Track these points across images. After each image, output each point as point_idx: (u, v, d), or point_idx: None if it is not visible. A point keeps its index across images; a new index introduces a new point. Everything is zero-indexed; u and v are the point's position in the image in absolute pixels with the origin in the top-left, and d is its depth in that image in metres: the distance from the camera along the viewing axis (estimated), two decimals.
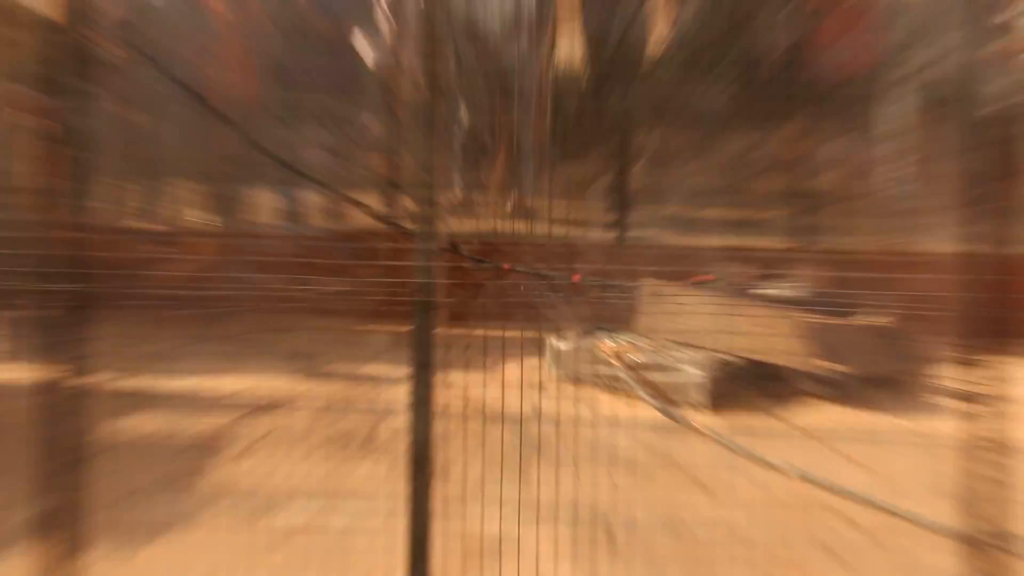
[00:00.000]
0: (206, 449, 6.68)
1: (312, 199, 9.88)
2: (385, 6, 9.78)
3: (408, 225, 7.65)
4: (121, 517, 5.42)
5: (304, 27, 9.89)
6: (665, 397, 7.53)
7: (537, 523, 5.53)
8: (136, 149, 8.75)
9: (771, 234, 9.69)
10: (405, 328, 4.02)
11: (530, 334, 8.03)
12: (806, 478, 6.35)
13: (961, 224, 7.59)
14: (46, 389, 3.99)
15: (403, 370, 4.07)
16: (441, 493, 4.25)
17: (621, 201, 9.86)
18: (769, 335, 7.52)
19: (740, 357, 7.49)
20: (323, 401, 7.10)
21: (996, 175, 3.94)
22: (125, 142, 8.96)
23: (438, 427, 4.15)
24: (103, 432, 6.07)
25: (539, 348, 8.06)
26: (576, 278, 7.34)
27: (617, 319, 8.29)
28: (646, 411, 7.33)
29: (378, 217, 9.20)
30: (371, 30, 10.12)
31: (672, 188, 9.91)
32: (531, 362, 7.76)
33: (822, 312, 7.89)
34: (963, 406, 3.97)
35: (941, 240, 9.32)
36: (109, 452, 5.84)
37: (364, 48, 10.13)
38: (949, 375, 5.46)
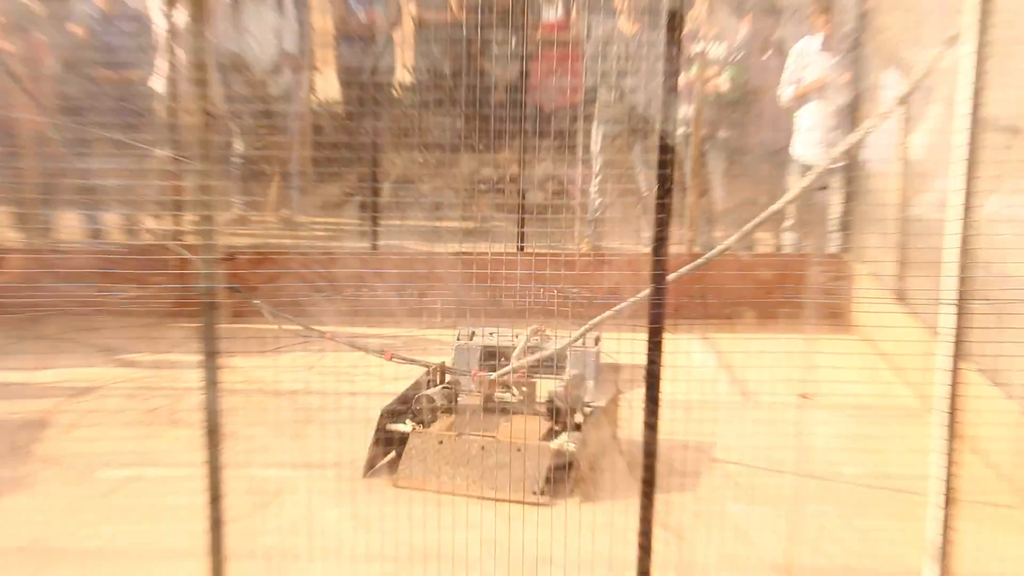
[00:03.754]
0: (39, 426, 7.14)
1: (111, 218, 10.18)
2: (166, 44, 9.94)
3: (191, 240, 8.21)
4: None
5: (91, 68, 9.98)
6: None
7: (309, 471, 6.33)
8: None
9: (496, 240, 9.42)
10: (195, 324, 4.22)
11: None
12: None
13: (646, 229, 8.50)
14: None
15: (195, 358, 4.25)
16: (231, 451, 4.44)
17: (373, 215, 10.16)
18: None
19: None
20: (133, 384, 7.46)
21: (671, 189, 4.17)
22: None
23: (226, 402, 4.33)
24: None
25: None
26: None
27: None
28: None
29: (163, 233, 9.57)
30: (153, 68, 10.37)
31: (415, 203, 10.33)
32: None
33: None
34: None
35: (629, 241, 10.19)
36: None
37: (149, 84, 10.42)
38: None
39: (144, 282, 8.23)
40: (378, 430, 6.61)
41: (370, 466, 6.60)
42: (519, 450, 6.30)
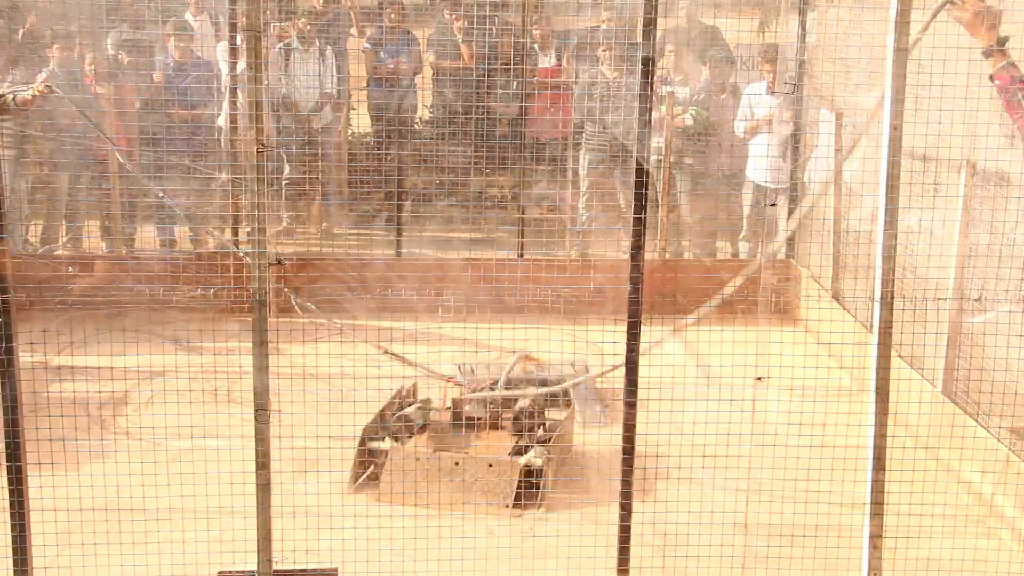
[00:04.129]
0: (118, 403, 7.19)
1: (181, 231, 10.13)
2: (228, 87, 9.80)
3: (246, 248, 8.18)
4: (66, 447, 5.67)
5: (167, 107, 9.83)
6: None
7: (342, 443, 6.31)
8: (56, 201, 9.01)
9: (499, 249, 9.94)
10: (248, 318, 4.31)
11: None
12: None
13: (625, 239, 8.49)
14: (3, 365, 4.36)
15: (248, 346, 4.35)
16: (277, 425, 4.59)
17: (397, 227, 9.99)
18: None
19: None
20: (196, 369, 7.32)
21: (645, 206, 4.34)
22: (49, 197, 9.22)
23: (273, 384, 4.43)
24: (44, 392, 6.90)
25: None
26: None
27: None
28: None
29: (224, 243, 9.45)
30: (218, 107, 10.32)
31: (432, 217, 10.25)
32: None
33: None
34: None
35: (611, 249, 10.17)
36: (52, 406, 6.42)
37: (214, 121, 10.35)
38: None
39: (208, 284, 8.24)
40: (361, 448, 6.31)
41: (355, 480, 6.31)
42: (491, 465, 6.06)
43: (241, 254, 7.94)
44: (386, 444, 6.24)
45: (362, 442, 6.29)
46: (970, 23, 4.54)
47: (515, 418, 6.44)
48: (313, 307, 7.42)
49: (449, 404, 6.70)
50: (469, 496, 5.98)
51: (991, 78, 4.50)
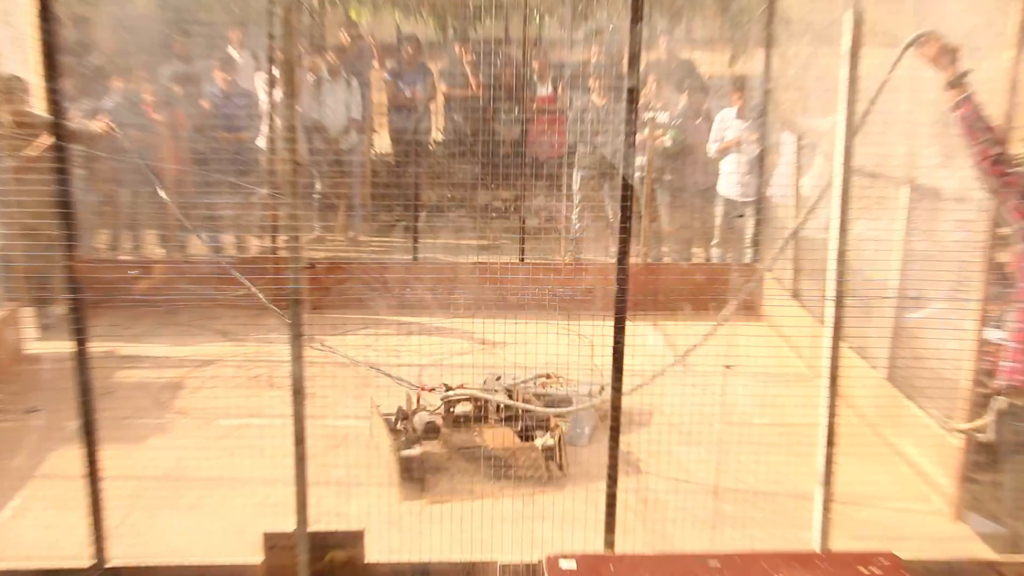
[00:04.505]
0: (175, 387, 7.11)
1: (227, 238, 10.12)
2: (267, 113, 9.80)
3: (283, 253, 8.22)
4: (131, 424, 6.06)
5: (214, 131, 9.93)
6: None
7: (370, 421, 6.32)
8: (120, 213, 9.02)
9: (503, 254, 9.86)
10: (285, 314, 4.23)
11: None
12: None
13: (612, 245, 8.43)
14: (76, 354, 4.38)
15: (286, 338, 4.27)
16: (311, 407, 4.44)
17: (414, 235, 9.88)
18: None
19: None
20: (241, 358, 7.36)
21: (630, 216, 4.29)
22: (114, 209, 9.21)
23: (308, 371, 4.36)
24: (114, 377, 6.97)
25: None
26: None
27: None
28: None
29: (267, 248, 9.55)
30: (258, 131, 10.29)
31: (444, 226, 10.17)
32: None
33: None
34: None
35: (600, 254, 10.09)
36: (117, 390, 6.65)
37: (255, 142, 10.33)
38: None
39: (250, 284, 8.14)
40: (401, 464, 5.87)
41: (406, 496, 5.84)
42: (514, 453, 5.94)
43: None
44: (416, 451, 5.93)
45: (399, 460, 5.92)
46: (934, 59, 4.56)
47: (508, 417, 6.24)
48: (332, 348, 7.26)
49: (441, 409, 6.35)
50: (510, 481, 5.87)
51: (955, 106, 4.51)
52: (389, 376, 6.47)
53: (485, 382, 6.57)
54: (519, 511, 5.41)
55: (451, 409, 6.25)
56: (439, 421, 6.06)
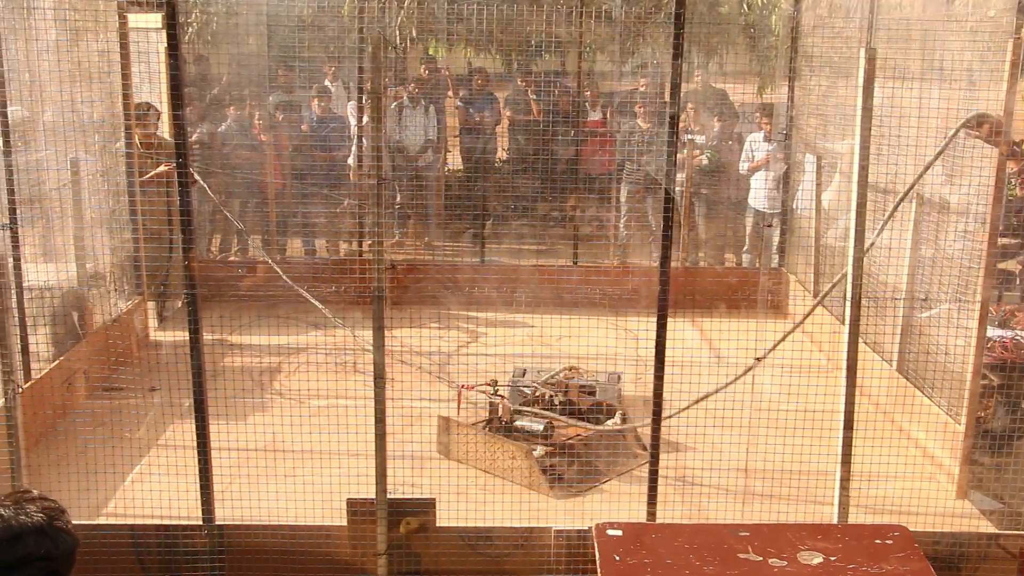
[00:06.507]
0: (273, 371, 7.22)
1: (320, 243, 10.15)
2: (356, 135, 9.75)
3: (368, 255, 8.20)
4: (236, 403, 5.95)
5: (311, 150, 9.99)
6: None
7: (439, 404, 6.22)
8: (230, 221, 8.89)
9: (559, 258, 9.88)
10: (369, 308, 4.33)
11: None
12: None
13: (655, 251, 8.37)
14: (190, 341, 4.45)
15: (369, 329, 4.40)
16: (390, 390, 4.57)
17: (481, 241, 10.00)
18: None
19: None
20: (330, 347, 7.25)
21: (671, 225, 4.37)
22: (224, 217, 9.05)
23: (388, 358, 4.52)
24: (220, 363, 7.01)
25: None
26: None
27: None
28: None
29: (354, 251, 9.58)
30: (348, 150, 10.29)
31: (508, 233, 10.16)
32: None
33: None
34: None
35: (644, 259, 10.10)
36: (226, 373, 6.56)
37: (346, 160, 10.35)
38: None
39: (339, 282, 8.18)
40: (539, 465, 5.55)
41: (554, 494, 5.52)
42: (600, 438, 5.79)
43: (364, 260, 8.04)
44: (541, 451, 5.62)
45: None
46: (987, 137, 4.66)
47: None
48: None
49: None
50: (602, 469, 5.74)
51: (1019, 172, 4.62)
52: (435, 375, 6.48)
53: (513, 375, 6.37)
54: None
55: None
56: (552, 424, 5.77)
